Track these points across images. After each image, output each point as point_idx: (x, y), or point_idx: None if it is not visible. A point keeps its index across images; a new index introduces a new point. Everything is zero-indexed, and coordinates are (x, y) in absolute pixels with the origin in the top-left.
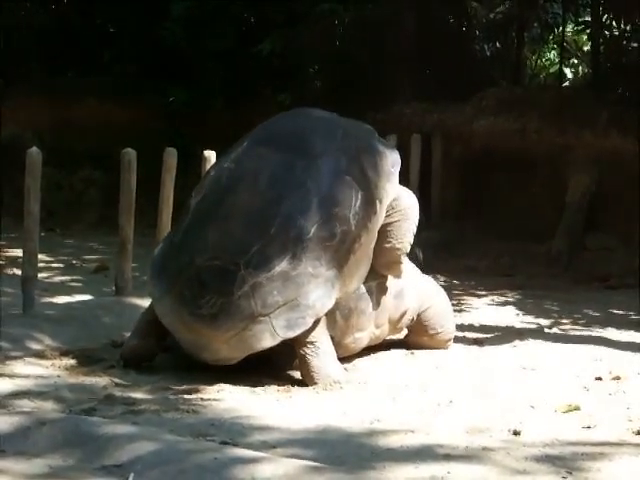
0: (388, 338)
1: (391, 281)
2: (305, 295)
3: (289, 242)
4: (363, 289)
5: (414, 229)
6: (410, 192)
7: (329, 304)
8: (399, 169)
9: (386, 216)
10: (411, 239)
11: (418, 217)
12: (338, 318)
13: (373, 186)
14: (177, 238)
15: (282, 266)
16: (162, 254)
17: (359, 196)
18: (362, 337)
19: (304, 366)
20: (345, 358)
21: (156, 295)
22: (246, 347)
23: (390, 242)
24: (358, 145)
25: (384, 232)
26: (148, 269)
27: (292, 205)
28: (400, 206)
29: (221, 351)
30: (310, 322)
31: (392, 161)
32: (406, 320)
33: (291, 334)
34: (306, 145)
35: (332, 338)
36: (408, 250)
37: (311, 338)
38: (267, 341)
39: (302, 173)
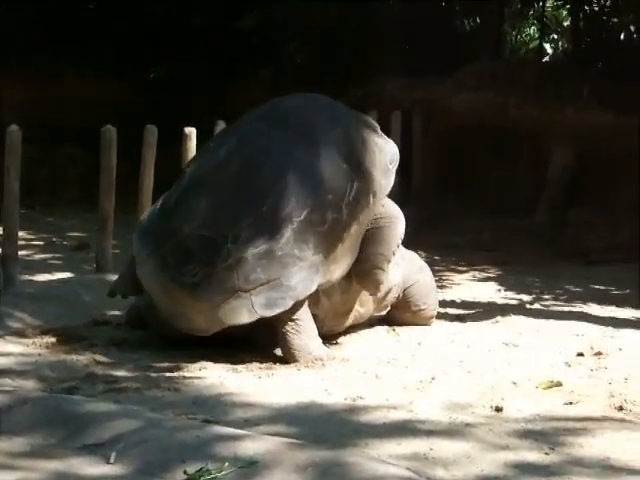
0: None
1: None
2: (288, 276)
3: (279, 221)
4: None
5: (400, 239)
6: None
7: (311, 288)
8: (396, 166)
9: (373, 221)
10: (396, 248)
11: (404, 229)
12: (322, 297)
13: (369, 179)
14: (168, 204)
15: (269, 244)
16: (151, 218)
17: (354, 186)
18: (346, 315)
19: (285, 344)
20: (329, 335)
21: (141, 257)
22: (222, 320)
23: (375, 247)
24: (360, 137)
25: (369, 237)
26: (135, 231)
27: (287, 186)
28: (387, 213)
29: (197, 321)
30: (290, 304)
31: (391, 157)
32: (391, 298)
33: (269, 313)
34: (309, 129)
35: (315, 317)
36: (392, 260)
37: (292, 316)
38: (244, 317)
39: (301, 156)
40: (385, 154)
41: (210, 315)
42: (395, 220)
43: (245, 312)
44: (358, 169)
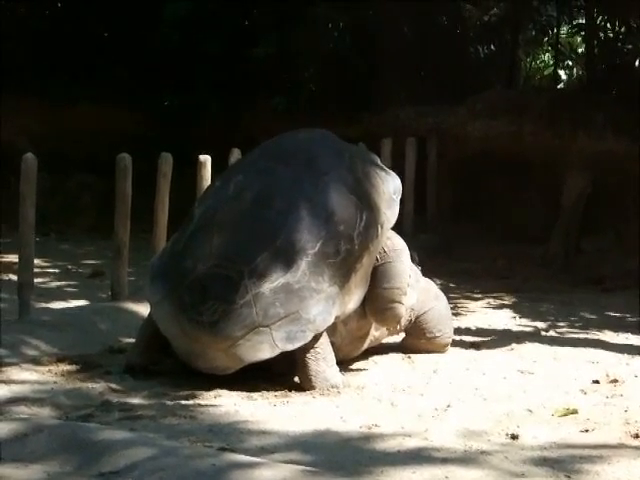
0: (385, 341)
1: None
2: (307, 309)
3: (294, 255)
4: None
5: (408, 271)
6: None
7: (329, 320)
8: (400, 196)
9: (382, 255)
10: (407, 280)
11: (409, 259)
12: (338, 324)
13: (376, 210)
14: (179, 245)
15: (286, 278)
16: (162, 260)
17: (364, 217)
18: (362, 340)
19: (302, 370)
20: (344, 362)
21: (154, 299)
22: (244, 357)
23: (389, 282)
24: (363, 169)
25: (381, 273)
26: (146, 274)
27: (299, 219)
28: (394, 246)
29: (217, 360)
30: (309, 337)
31: (394, 188)
32: (404, 321)
33: (290, 347)
34: (315, 162)
35: (332, 344)
36: (406, 292)
37: (313, 344)
38: (265, 352)
39: (310, 189)
40: (388, 185)
41: (230, 353)
42: (402, 252)
43: (267, 347)
44: (365, 200)
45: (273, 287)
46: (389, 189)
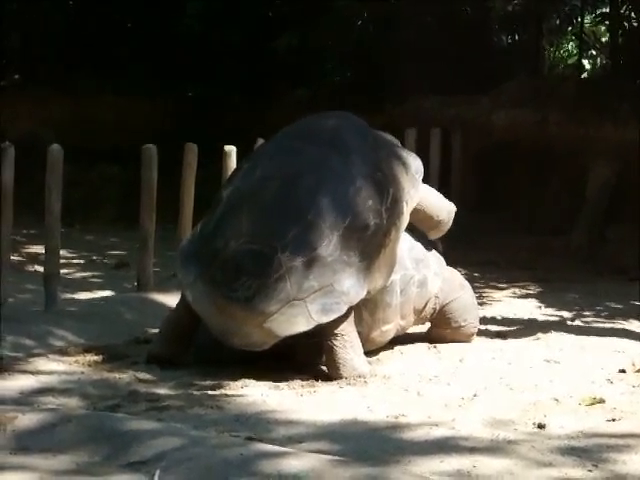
0: (411, 331)
1: (414, 271)
2: (340, 281)
3: (325, 229)
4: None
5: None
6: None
7: (362, 293)
8: (422, 177)
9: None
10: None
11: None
12: (364, 313)
13: (400, 187)
14: (209, 227)
15: (318, 252)
16: (192, 243)
17: (390, 192)
18: (389, 330)
19: (331, 358)
20: (370, 352)
21: (188, 280)
22: (279, 331)
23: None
24: (386, 149)
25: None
26: (176, 258)
27: (328, 194)
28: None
29: (253, 335)
30: (344, 309)
31: (415, 168)
32: (429, 309)
33: (325, 319)
34: (339, 141)
35: (359, 333)
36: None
37: (340, 330)
38: (301, 325)
39: (337, 165)
40: (410, 165)
41: (266, 327)
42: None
43: (302, 320)
44: (390, 178)
45: (306, 261)
46: (411, 169)
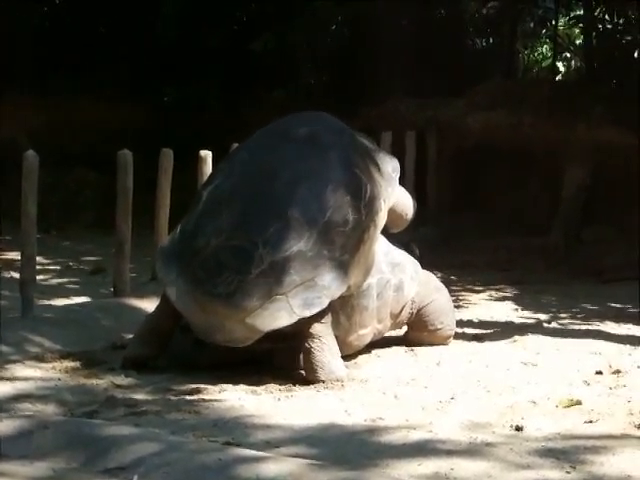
0: (388, 334)
1: (390, 275)
2: (321, 276)
3: (305, 224)
4: (364, 286)
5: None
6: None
7: (343, 288)
8: (398, 176)
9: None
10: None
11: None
12: (341, 317)
13: (378, 185)
14: (189, 226)
15: (299, 246)
16: (172, 242)
17: (368, 189)
18: (366, 334)
19: (308, 361)
20: (347, 355)
21: (169, 278)
22: (262, 326)
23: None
24: (363, 147)
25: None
26: (157, 257)
27: (307, 190)
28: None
29: (236, 331)
30: (326, 302)
31: (392, 167)
32: (406, 313)
33: (308, 313)
34: (317, 139)
35: (336, 337)
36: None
37: (317, 333)
38: (284, 320)
39: (315, 162)
40: (387, 162)
41: (249, 323)
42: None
43: (284, 314)
44: (368, 174)
45: (287, 256)
46: (388, 168)
